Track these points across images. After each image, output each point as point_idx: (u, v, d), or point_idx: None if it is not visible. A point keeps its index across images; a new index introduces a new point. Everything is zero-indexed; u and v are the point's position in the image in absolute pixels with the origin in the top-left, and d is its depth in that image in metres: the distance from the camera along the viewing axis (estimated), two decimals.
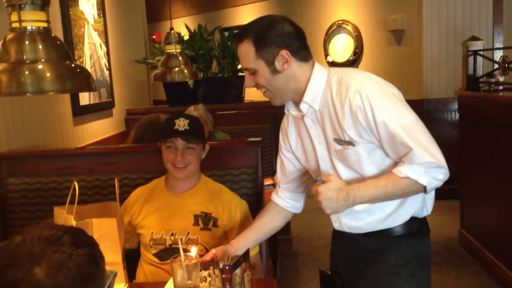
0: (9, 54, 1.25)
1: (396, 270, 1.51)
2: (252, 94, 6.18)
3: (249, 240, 1.68)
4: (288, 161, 1.67)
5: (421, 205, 1.51)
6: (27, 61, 1.24)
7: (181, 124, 1.85)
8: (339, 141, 1.45)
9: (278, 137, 3.27)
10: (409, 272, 1.51)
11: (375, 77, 1.47)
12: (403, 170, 1.37)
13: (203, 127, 1.96)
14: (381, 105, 1.37)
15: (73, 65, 1.34)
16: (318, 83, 1.46)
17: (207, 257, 1.60)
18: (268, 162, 3.65)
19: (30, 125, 2.55)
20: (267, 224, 1.75)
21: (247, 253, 1.45)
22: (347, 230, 1.57)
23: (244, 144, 2.21)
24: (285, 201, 1.74)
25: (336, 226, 1.61)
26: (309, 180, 1.71)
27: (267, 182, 3.03)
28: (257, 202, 2.10)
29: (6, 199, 2.18)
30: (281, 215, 1.77)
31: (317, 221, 4.59)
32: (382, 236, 1.52)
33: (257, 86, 1.49)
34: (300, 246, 4.00)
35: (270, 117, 3.73)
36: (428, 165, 1.35)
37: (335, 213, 1.47)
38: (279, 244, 3.63)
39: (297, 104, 1.53)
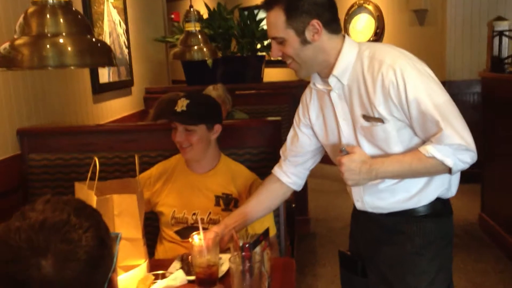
0: (31, 27, 1.24)
1: (420, 251, 1.48)
2: (271, 75, 6.13)
3: (245, 219, 1.63)
4: (304, 135, 1.63)
5: (447, 186, 1.48)
6: (48, 35, 1.23)
7: (180, 105, 1.79)
8: (367, 117, 1.41)
9: None
10: (432, 253, 1.49)
11: (408, 53, 1.44)
12: (430, 150, 1.34)
13: (210, 107, 1.88)
14: (414, 82, 1.34)
15: (94, 40, 1.33)
16: (349, 56, 1.43)
17: (210, 235, 1.51)
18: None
19: (51, 102, 2.56)
20: (266, 201, 1.70)
21: (267, 232, 1.44)
22: (369, 210, 1.54)
23: (264, 123, 2.19)
24: (287, 176, 1.68)
25: (358, 205, 1.58)
26: (317, 156, 1.68)
27: None
28: None
29: (27, 174, 2.21)
30: (281, 191, 1.71)
31: (335, 203, 4.58)
32: (406, 216, 1.49)
33: (284, 56, 1.45)
34: (318, 227, 4.00)
35: (289, 97, 3.69)
36: (457, 147, 1.33)
37: (356, 185, 1.44)
38: (297, 225, 3.63)
39: (323, 77, 1.50)
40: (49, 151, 2.23)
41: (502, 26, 3.56)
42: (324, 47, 1.42)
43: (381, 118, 1.38)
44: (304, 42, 1.40)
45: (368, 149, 1.45)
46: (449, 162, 1.34)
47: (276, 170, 1.71)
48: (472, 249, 3.35)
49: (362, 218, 1.61)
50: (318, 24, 1.39)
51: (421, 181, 1.45)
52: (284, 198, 1.76)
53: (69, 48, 1.25)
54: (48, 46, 1.23)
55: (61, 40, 1.24)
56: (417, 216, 1.48)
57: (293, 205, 3.17)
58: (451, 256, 1.56)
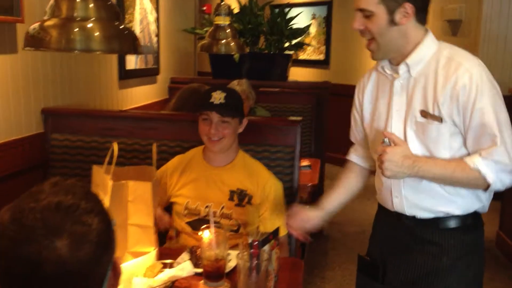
0: (61, 10, 1.26)
1: (456, 262, 1.47)
2: (297, 74, 6.11)
3: (340, 202, 1.71)
4: (354, 118, 1.69)
5: (485, 202, 1.47)
6: (77, 18, 1.25)
7: (217, 97, 1.82)
8: (425, 113, 1.40)
9: (319, 118, 3.31)
10: (467, 263, 1.49)
11: (484, 65, 1.44)
12: (476, 162, 1.34)
13: (241, 101, 1.93)
14: (485, 92, 1.35)
15: (121, 27, 1.34)
16: (428, 50, 1.43)
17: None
18: (307, 143, 3.62)
19: (77, 85, 2.60)
20: (353, 184, 1.73)
21: (277, 231, 1.44)
22: (406, 210, 1.50)
23: (285, 122, 2.19)
24: (361, 159, 1.72)
25: (396, 202, 1.52)
26: None
27: (304, 163, 3.01)
28: (291, 182, 2.08)
29: (48, 153, 2.25)
30: (361, 175, 1.74)
31: (351, 207, 4.51)
32: (441, 225, 1.47)
33: (364, 32, 1.44)
34: (332, 230, 3.98)
35: (312, 98, 3.68)
36: (503, 167, 1.33)
37: (393, 177, 1.41)
38: None
39: (392, 64, 1.50)
40: (71, 132, 2.27)
41: None
42: (407, 33, 1.42)
43: (440, 117, 1.38)
44: (391, 22, 1.39)
45: (414, 145, 1.43)
46: (490, 179, 1.34)
47: (351, 156, 1.75)
48: (487, 266, 3.25)
49: (391, 224, 1.57)
50: (411, 8, 1.38)
51: (464, 193, 1.44)
52: (365, 180, 1.75)
53: (97, 33, 1.26)
54: (76, 29, 1.25)
55: (89, 25, 1.26)
56: (453, 228, 1.46)
57: (308, 207, 3.17)
58: (483, 261, 1.56)
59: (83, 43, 1.25)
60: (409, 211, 1.50)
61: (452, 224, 1.46)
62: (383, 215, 1.62)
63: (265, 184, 1.88)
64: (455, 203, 1.45)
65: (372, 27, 1.41)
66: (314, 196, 3.75)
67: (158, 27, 3.77)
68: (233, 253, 1.54)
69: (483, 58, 4.65)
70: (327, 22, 6.22)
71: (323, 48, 6.31)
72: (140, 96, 3.54)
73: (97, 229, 0.76)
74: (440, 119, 1.38)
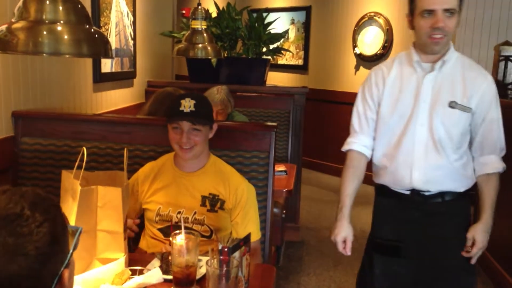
0: (29, 12, 1.23)
1: (460, 223, 1.81)
2: (274, 78, 6.12)
3: (355, 191, 1.91)
4: (367, 107, 1.87)
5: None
6: (46, 21, 1.23)
7: (187, 105, 1.78)
8: (455, 103, 1.71)
9: (296, 123, 3.44)
10: (466, 219, 1.84)
11: None
12: (499, 164, 1.80)
13: (211, 108, 1.91)
14: (497, 98, 1.78)
15: (92, 30, 1.32)
16: (454, 52, 1.76)
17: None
18: (283, 148, 3.63)
19: (50, 87, 2.56)
20: (362, 173, 1.91)
21: (247, 237, 1.43)
22: (423, 185, 1.76)
23: (259, 127, 2.18)
24: (365, 148, 1.89)
25: (415, 177, 1.76)
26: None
27: (279, 168, 3.01)
28: (265, 187, 2.08)
29: (18, 157, 2.21)
30: (364, 165, 1.91)
31: (327, 213, 4.57)
32: (447, 199, 1.78)
33: (442, 29, 1.65)
34: (307, 235, 3.99)
35: (290, 102, 3.69)
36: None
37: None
38: (286, 232, 3.62)
39: (423, 60, 1.77)
40: (42, 136, 2.22)
41: (509, 51, 3.56)
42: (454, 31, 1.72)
43: (469, 107, 1.72)
44: (458, 20, 1.68)
45: (437, 129, 1.72)
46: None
47: (356, 146, 1.90)
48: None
49: (401, 203, 1.82)
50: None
51: (471, 169, 1.81)
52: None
53: (66, 37, 1.24)
54: (44, 32, 1.22)
55: (58, 28, 1.24)
56: (455, 199, 1.79)
57: (284, 212, 3.17)
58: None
59: (51, 46, 1.23)
60: (425, 186, 1.76)
61: (455, 196, 1.79)
62: (390, 198, 1.85)
63: (237, 188, 1.87)
64: (465, 182, 1.80)
65: (452, 23, 1.66)
66: (290, 201, 3.77)
67: (134, 30, 3.73)
68: (205, 260, 1.52)
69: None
70: (305, 28, 6.26)
71: (301, 53, 6.35)
72: (116, 99, 3.50)
73: (37, 242, 0.72)
74: (468, 110, 1.71)
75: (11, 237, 0.70)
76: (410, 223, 1.81)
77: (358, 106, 1.89)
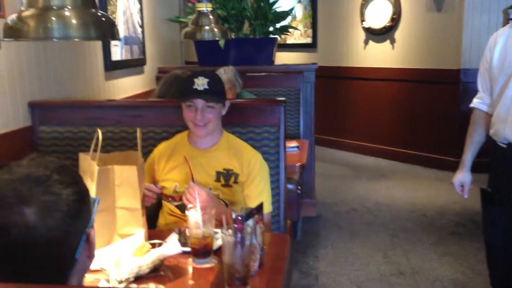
0: (37, 0, 1.28)
1: None
2: (282, 58, 6.12)
3: (475, 155, 2.20)
4: (484, 69, 2.10)
5: None
6: (54, 7, 1.27)
7: (200, 83, 1.83)
8: None
9: (307, 100, 3.59)
10: None
11: None
12: None
13: (223, 85, 1.95)
14: None
15: (99, 13, 1.36)
16: None
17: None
18: (294, 125, 3.66)
19: (63, 78, 2.62)
20: (482, 135, 2.16)
21: (260, 206, 1.48)
22: (509, 138, 1.97)
23: (268, 103, 2.21)
24: (486, 105, 2.13)
25: (501, 134, 1.99)
26: None
27: (291, 144, 3.05)
28: (277, 161, 2.12)
29: (37, 146, 2.28)
30: (485, 122, 2.14)
31: (341, 187, 4.61)
32: None
33: None
34: (323, 210, 4.04)
35: (300, 80, 3.71)
36: None
37: None
38: (302, 207, 3.67)
39: None
40: (59, 124, 2.29)
41: None
42: None
43: None
44: None
45: None
46: None
47: (479, 105, 2.16)
48: (475, 237, 3.35)
49: (503, 154, 2.03)
50: None
51: None
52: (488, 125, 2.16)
53: (74, 21, 1.29)
54: (53, 18, 1.27)
55: (66, 13, 1.28)
56: None
57: (299, 188, 3.21)
58: None
59: (60, 31, 1.28)
60: None
61: None
62: (495, 150, 2.06)
63: (250, 160, 1.92)
64: None
65: None
66: (305, 177, 3.81)
67: (142, 17, 3.78)
68: (221, 232, 1.58)
69: (467, 33, 4.70)
70: (312, 5, 6.22)
71: (309, 31, 6.33)
72: (128, 86, 3.56)
73: (67, 200, 0.80)
74: None
75: (44, 195, 0.78)
76: (507, 175, 2.03)
77: (480, 68, 2.15)
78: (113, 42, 3.20)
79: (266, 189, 1.93)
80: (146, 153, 2.04)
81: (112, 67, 3.22)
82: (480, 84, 2.17)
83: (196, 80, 1.84)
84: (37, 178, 0.79)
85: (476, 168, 2.26)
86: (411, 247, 3.33)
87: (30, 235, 0.76)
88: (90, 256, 0.89)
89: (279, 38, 4.27)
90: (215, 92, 1.87)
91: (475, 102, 2.19)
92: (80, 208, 0.83)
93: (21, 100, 2.25)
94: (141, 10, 3.75)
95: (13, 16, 1.29)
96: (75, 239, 0.83)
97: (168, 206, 1.96)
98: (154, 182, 1.98)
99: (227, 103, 1.96)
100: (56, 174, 0.81)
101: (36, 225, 0.77)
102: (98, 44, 3.06)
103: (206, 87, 1.83)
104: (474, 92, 2.26)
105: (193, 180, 1.74)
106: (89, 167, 1.57)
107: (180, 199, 1.89)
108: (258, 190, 1.90)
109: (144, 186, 1.78)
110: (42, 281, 0.79)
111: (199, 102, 1.85)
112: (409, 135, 5.40)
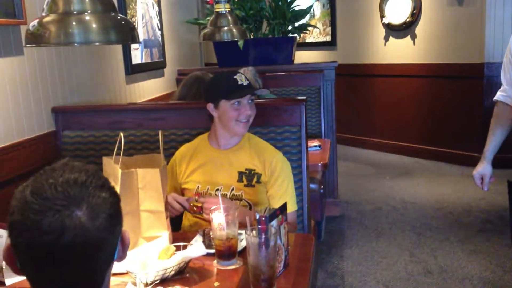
0: (57, 5, 1.29)
1: None
2: (302, 57, 6.09)
3: (497, 148, 2.15)
4: (508, 62, 2.07)
5: None
6: (74, 12, 1.28)
7: (242, 78, 1.87)
8: None
9: (327, 98, 3.62)
10: None
11: None
12: None
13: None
14: None
15: (118, 17, 1.37)
16: None
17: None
18: (316, 124, 3.63)
19: (85, 82, 2.65)
20: (505, 128, 2.13)
21: (284, 206, 1.46)
22: None
23: (289, 102, 2.20)
24: (509, 98, 2.08)
25: None
26: None
27: (313, 143, 3.02)
28: (299, 161, 2.10)
29: (61, 150, 2.31)
30: (508, 114, 2.11)
31: (366, 186, 4.56)
32: None
33: None
34: (347, 210, 4.00)
35: (320, 78, 3.68)
36: None
37: None
38: (325, 206, 3.64)
39: None
40: (81, 128, 2.32)
41: None
42: None
43: None
44: None
45: None
46: None
47: (500, 97, 2.14)
48: (504, 234, 3.27)
49: None
50: None
51: None
52: None
53: (94, 25, 1.29)
54: (74, 23, 1.28)
55: (86, 17, 1.29)
56: None
57: (322, 187, 3.18)
58: None
59: (81, 36, 1.28)
60: None
61: None
62: None
63: (272, 161, 1.90)
64: None
65: None
66: (328, 177, 3.78)
67: (161, 20, 3.80)
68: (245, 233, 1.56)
69: (490, 26, 4.62)
70: (331, 3, 6.18)
71: (328, 29, 6.28)
72: (148, 90, 3.58)
73: (110, 202, 0.83)
74: None
75: (93, 198, 0.81)
76: None
77: (504, 61, 2.12)
78: (133, 46, 3.22)
79: (290, 188, 1.91)
80: (168, 156, 2.04)
81: (133, 71, 3.25)
82: (503, 77, 2.13)
83: (237, 77, 1.86)
84: (83, 182, 0.81)
85: (503, 163, 2.22)
86: (438, 245, 3.26)
87: (85, 237, 0.78)
88: (123, 257, 0.91)
89: (298, 37, 4.25)
90: (253, 84, 1.91)
91: (499, 95, 2.16)
92: (118, 209, 0.86)
93: (45, 106, 2.28)
94: (159, 13, 3.77)
95: (34, 22, 1.30)
96: (115, 240, 0.85)
97: (191, 208, 1.95)
98: (176, 186, 1.98)
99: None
100: (95, 179, 0.83)
101: (88, 226, 0.79)
102: (119, 48, 3.08)
103: (247, 82, 1.88)
104: (498, 86, 2.21)
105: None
106: (113, 170, 1.57)
107: (200, 211, 1.81)
108: (282, 190, 1.89)
109: (173, 196, 1.79)
110: (86, 283, 0.83)
111: (245, 98, 1.87)
112: (433, 131, 5.31)
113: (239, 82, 1.85)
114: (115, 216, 0.84)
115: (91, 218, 0.79)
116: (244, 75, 1.88)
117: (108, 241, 0.83)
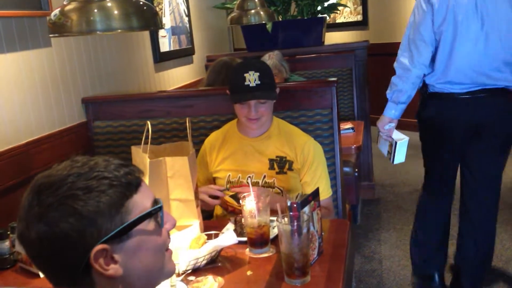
0: None
1: None
2: (332, 38, 5.95)
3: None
4: None
5: None
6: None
7: (252, 78, 1.75)
8: None
9: (360, 79, 3.50)
10: None
11: None
12: None
13: (272, 74, 1.86)
14: None
15: (140, 3, 1.33)
16: None
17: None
18: (349, 106, 3.54)
19: (113, 72, 2.65)
20: None
21: (316, 192, 1.41)
22: None
23: (319, 84, 2.13)
24: None
25: None
26: None
27: (345, 126, 2.95)
28: (332, 144, 2.04)
29: (92, 141, 2.32)
30: None
31: (402, 169, 4.43)
32: None
33: None
34: (383, 193, 3.91)
35: (351, 59, 3.58)
36: None
37: None
38: (361, 190, 3.56)
39: None
40: (112, 118, 2.32)
41: None
42: None
43: None
44: None
45: None
46: None
47: None
48: None
49: None
50: None
51: None
52: None
53: (116, 12, 1.26)
54: (95, 10, 1.25)
55: (108, 4, 1.26)
56: None
57: (356, 170, 3.10)
58: None
59: (103, 23, 1.26)
60: None
61: None
62: None
63: (303, 147, 1.85)
64: None
65: None
66: (363, 159, 3.69)
67: (188, 6, 3.76)
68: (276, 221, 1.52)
69: None
70: None
71: (359, 8, 6.11)
72: (177, 77, 3.57)
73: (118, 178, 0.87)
74: None
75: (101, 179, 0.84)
76: None
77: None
78: (161, 33, 3.20)
79: (324, 174, 1.86)
80: (198, 143, 2.01)
81: (161, 59, 3.23)
82: None
83: (247, 76, 1.76)
84: (120, 165, 0.87)
85: None
86: None
87: None
88: None
89: (327, 18, 4.14)
90: (267, 85, 1.78)
91: None
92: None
93: (75, 97, 2.29)
94: None
95: (56, 11, 1.28)
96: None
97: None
98: (209, 177, 1.95)
99: (277, 90, 1.87)
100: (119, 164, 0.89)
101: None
102: (147, 36, 3.07)
103: (258, 82, 1.75)
104: None
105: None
106: (141, 160, 1.55)
107: (234, 210, 1.73)
108: (316, 176, 1.83)
109: (205, 191, 1.75)
110: None
111: (252, 100, 1.78)
112: None
113: (246, 83, 1.74)
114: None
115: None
116: (257, 74, 1.75)
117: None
